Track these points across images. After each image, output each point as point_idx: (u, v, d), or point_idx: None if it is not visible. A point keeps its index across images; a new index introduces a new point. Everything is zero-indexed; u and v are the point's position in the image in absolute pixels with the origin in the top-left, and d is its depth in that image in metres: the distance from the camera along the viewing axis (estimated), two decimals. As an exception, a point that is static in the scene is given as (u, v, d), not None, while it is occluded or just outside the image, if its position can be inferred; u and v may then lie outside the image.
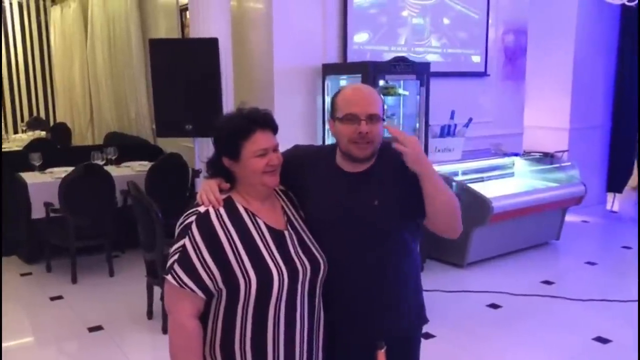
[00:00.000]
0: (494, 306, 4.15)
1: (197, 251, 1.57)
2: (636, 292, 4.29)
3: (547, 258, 5.31)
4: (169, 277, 1.59)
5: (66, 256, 4.70)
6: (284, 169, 1.74)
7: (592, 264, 5.09)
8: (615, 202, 7.15)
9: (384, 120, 1.75)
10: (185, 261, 1.57)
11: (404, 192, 1.71)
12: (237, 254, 1.59)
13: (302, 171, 1.83)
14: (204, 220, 1.60)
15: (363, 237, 1.76)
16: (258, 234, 1.64)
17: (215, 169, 1.72)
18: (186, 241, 1.58)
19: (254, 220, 1.66)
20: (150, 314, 3.93)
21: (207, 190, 1.67)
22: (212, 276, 1.58)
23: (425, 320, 1.94)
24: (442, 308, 3.99)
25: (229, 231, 1.61)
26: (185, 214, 1.65)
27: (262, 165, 1.64)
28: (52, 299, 4.32)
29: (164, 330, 3.70)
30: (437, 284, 4.40)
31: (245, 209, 1.67)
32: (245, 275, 1.58)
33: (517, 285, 4.48)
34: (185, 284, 1.57)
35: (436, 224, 1.74)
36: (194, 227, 1.59)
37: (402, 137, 1.67)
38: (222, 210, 1.63)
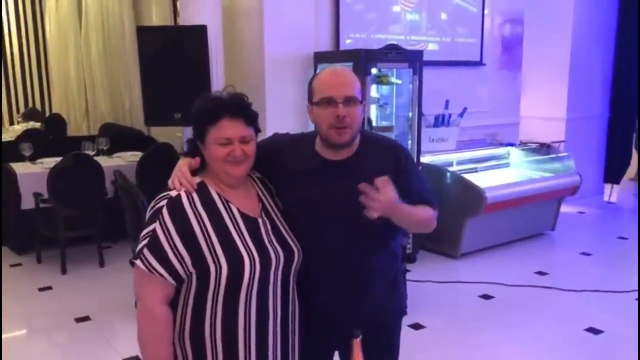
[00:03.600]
0: (486, 297, 4.11)
1: (168, 236, 1.53)
2: (630, 283, 4.25)
3: (542, 249, 5.27)
4: (138, 262, 1.54)
5: (56, 247, 4.66)
6: (263, 157, 1.70)
7: (587, 254, 5.05)
8: (612, 193, 7.09)
9: (361, 102, 1.70)
10: (155, 246, 1.53)
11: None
12: (208, 239, 1.55)
13: (282, 159, 1.78)
14: (175, 205, 1.56)
15: (342, 227, 1.71)
16: (231, 220, 1.60)
17: (192, 148, 1.68)
18: (156, 225, 1.54)
19: (227, 207, 1.62)
20: (138, 305, 3.90)
21: (179, 175, 1.63)
22: (182, 261, 1.54)
23: (403, 311, 1.90)
24: (435, 299, 3.95)
25: (200, 216, 1.57)
26: (156, 198, 1.61)
27: (224, 155, 1.59)
28: (41, 289, 4.29)
29: (152, 321, 3.67)
30: (430, 275, 4.36)
31: (219, 195, 1.63)
32: (216, 260, 1.54)
33: (511, 276, 4.44)
34: (155, 269, 1.52)
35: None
36: (164, 211, 1.55)
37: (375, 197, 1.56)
38: (194, 195, 1.59)
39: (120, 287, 4.25)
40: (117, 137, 6.04)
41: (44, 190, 4.60)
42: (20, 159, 5.17)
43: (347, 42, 4.91)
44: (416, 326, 3.50)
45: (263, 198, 1.73)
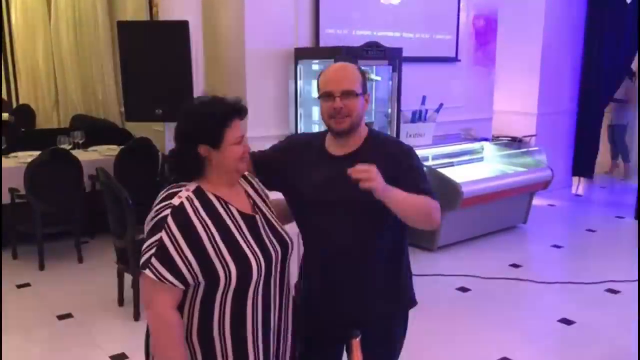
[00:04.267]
0: (463, 289, 4.24)
1: (176, 244, 1.55)
2: (599, 275, 4.42)
3: (515, 242, 5.43)
4: (147, 271, 1.56)
5: (33, 242, 4.60)
6: (281, 152, 1.93)
7: (558, 247, 5.23)
8: (579, 186, 7.33)
9: (361, 95, 1.82)
10: (163, 255, 1.55)
11: (391, 179, 1.71)
12: (215, 245, 1.58)
13: (295, 155, 1.93)
14: (180, 213, 1.58)
15: (347, 219, 1.80)
16: (232, 221, 1.65)
17: (184, 160, 1.66)
18: (163, 234, 1.55)
19: (226, 208, 1.66)
20: (121, 301, 3.89)
21: None
22: (191, 270, 1.56)
23: (406, 306, 1.97)
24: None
25: (205, 223, 1.59)
26: (157, 207, 1.61)
27: (241, 152, 1.67)
28: (19, 286, 4.24)
29: (136, 318, 3.68)
30: (408, 268, 4.45)
31: (217, 197, 1.66)
32: (225, 267, 1.58)
33: (486, 269, 4.57)
34: (165, 278, 1.55)
35: (410, 224, 1.80)
36: (170, 220, 1.56)
37: (361, 175, 1.63)
38: (196, 203, 1.61)
39: (100, 283, 4.24)
40: (91, 129, 5.96)
41: (20, 185, 4.52)
42: (-7, 152, 5.06)
43: (327, 34, 4.92)
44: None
45: (252, 194, 1.80)
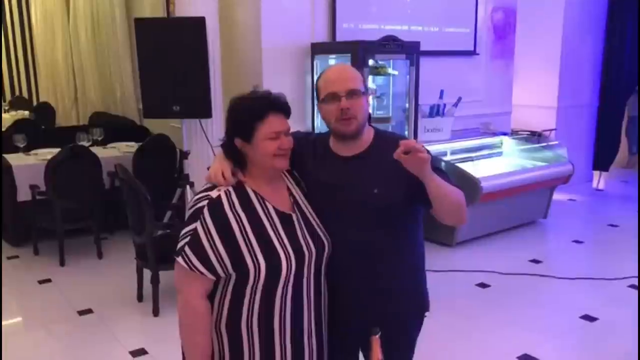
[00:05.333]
0: (482, 285, 4.19)
1: (208, 236, 1.59)
2: (622, 270, 4.35)
3: (535, 237, 5.36)
4: (179, 259, 1.61)
5: (54, 239, 4.65)
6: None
7: (579, 242, 5.15)
8: (601, 180, 7.22)
9: (364, 94, 1.77)
10: (196, 245, 1.59)
11: (407, 179, 1.68)
12: (247, 240, 1.61)
13: (303, 157, 1.86)
14: (215, 206, 1.62)
15: (360, 222, 1.77)
16: (267, 218, 1.66)
17: (227, 150, 1.73)
18: (198, 225, 1.60)
19: (263, 205, 1.67)
20: (140, 297, 3.92)
21: (217, 168, 1.69)
22: (221, 261, 1.60)
23: (424, 308, 1.94)
24: (431, 288, 3.91)
25: (239, 217, 1.62)
26: (197, 197, 1.67)
27: (274, 148, 1.65)
28: (41, 282, 4.29)
29: (155, 313, 3.70)
30: (426, 264, 4.40)
31: (255, 193, 1.68)
32: (255, 261, 1.60)
33: (506, 264, 4.52)
34: (196, 267, 1.59)
35: (441, 217, 1.75)
36: (205, 212, 1.60)
37: (413, 146, 1.58)
38: (233, 196, 1.64)
39: (120, 278, 4.27)
40: (110, 127, 6.01)
41: (40, 182, 4.58)
42: (13, 150, 5.12)
43: (344, 28, 4.89)
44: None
45: (293, 191, 1.79)
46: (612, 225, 5.62)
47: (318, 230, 1.75)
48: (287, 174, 1.82)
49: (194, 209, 1.64)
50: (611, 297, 3.97)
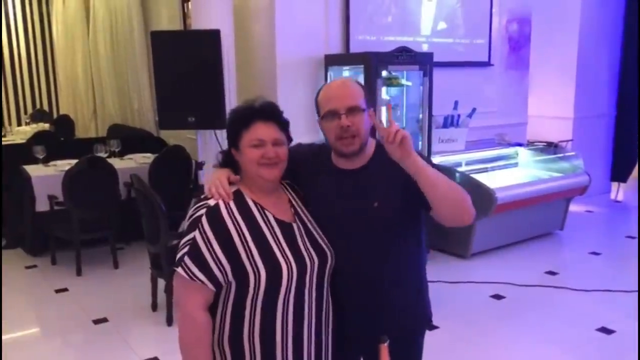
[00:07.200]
0: (497, 297, 4.15)
1: (208, 244, 1.58)
2: (640, 283, 4.29)
3: (551, 248, 5.30)
4: (179, 269, 1.59)
5: (71, 248, 4.72)
6: (290, 165, 1.73)
7: (596, 254, 5.08)
8: (619, 192, 7.12)
9: (366, 110, 1.72)
10: (195, 254, 1.58)
11: (404, 187, 1.68)
12: (247, 247, 1.60)
13: (306, 170, 1.84)
14: (214, 214, 1.61)
15: (362, 236, 1.76)
16: (267, 227, 1.65)
17: (226, 158, 1.75)
18: (196, 234, 1.59)
19: (262, 214, 1.67)
20: (155, 306, 3.95)
21: (216, 184, 1.67)
22: (222, 269, 1.59)
23: (428, 320, 1.92)
24: (446, 299, 3.99)
25: (239, 224, 1.61)
26: (195, 206, 1.66)
27: (258, 156, 1.64)
28: (58, 291, 4.35)
29: (169, 322, 3.73)
30: (440, 275, 4.41)
31: (254, 202, 1.67)
32: (255, 268, 1.58)
33: (521, 276, 4.48)
34: (196, 276, 1.57)
35: (441, 215, 1.68)
36: (204, 220, 1.60)
37: (387, 132, 1.57)
38: (232, 204, 1.64)
39: (136, 288, 4.31)
40: (127, 138, 6.09)
41: (58, 192, 4.65)
42: (33, 161, 5.22)
43: (358, 40, 4.92)
44: (429, 327, 3.55)
45: (294, 203, 1.78)
46: (630, 237, 5.54)
47: (320, 241, 1.73)
48: (288, 187, 1.81)
49: (192, 218, 1.63)
50: (628, 310, 3.90)
